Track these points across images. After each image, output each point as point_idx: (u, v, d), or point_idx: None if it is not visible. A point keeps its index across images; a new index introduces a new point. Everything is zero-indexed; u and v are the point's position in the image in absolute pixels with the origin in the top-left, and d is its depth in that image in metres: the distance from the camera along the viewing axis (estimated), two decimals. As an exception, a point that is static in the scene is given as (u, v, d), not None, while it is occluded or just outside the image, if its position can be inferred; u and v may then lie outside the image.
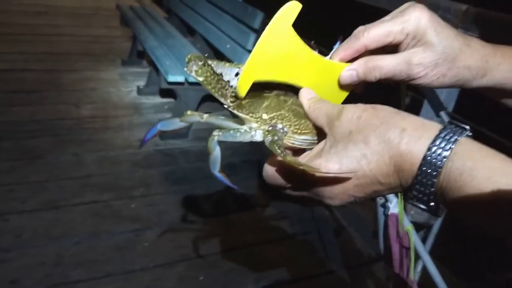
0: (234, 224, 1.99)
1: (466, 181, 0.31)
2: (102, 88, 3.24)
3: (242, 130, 0.45)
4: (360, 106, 0.40)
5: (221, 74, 0.48)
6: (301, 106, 0.45)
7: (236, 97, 0.46)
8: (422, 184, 0.34)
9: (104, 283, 1.56)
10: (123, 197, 2.02)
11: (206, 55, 0.48)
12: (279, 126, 0.44)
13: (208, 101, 2.89)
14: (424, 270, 1.10)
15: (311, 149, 0.44)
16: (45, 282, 1.53)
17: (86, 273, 1.59)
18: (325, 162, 0.38)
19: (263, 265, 1.77)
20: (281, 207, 2.12)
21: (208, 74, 0.45)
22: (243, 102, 0.46)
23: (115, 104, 3.00)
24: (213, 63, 0.48)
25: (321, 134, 0.43)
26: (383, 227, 0.97)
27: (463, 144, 0.33)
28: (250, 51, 2.40)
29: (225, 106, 0.46)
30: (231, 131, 0.45)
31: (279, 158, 0.40)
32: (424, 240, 1.15)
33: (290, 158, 0.39)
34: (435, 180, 0.33)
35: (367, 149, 0.36)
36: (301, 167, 0.38)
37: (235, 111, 0.46)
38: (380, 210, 0.95)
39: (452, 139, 0.33)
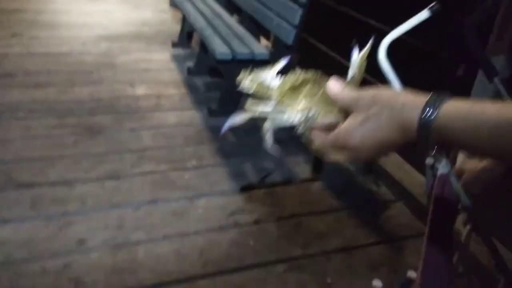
0: (282, 196, 2.05)
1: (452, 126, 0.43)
2: (154, 68, 3.38)
3: (285, 118, 0.58)
4: (370, 90, 0.51)
5: (265, 79, 0.61)
6: (327, 96, 0.56)
7: (279, 94, 0.59)
8: (422, 133, 0.45)
9: (162, 245, 1.68)
10: (177, 168, 2.14)
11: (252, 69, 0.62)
12: (311, 113, 0.57)
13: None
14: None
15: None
16: (108, 242, 1.67)
17: (146, 235, 1.72)
18: (349, 137, 0.51)
19: (310, 234, 1.82)
20: (328, 182, 2.16)
21: (256, 85, 0.59)
22: (284, 98, 0.58)
23: (167, 83, 3.13)
24: (257, 73, 0.62)
25: (345, 113, 0.54)
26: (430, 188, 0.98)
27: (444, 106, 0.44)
28: (296, 27, 2.42)
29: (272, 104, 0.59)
30: (277, 120, 0.59)
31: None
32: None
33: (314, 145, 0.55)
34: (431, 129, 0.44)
35: (380, 118, 0.49)
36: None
37: (278, 107, 0.58)
38: (429, 172, 0.96)
39: (436, 105, 0.44)
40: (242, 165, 2.23)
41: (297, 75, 0.59)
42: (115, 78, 3.14)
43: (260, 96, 0.59)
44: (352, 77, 0.62)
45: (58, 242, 1.65)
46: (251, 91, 0.58)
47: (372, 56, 0.69)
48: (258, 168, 2.22)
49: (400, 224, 1.94)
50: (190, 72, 3.31)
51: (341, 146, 0.52)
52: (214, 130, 2.54)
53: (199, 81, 3.23)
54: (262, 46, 2.65)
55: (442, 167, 0.91)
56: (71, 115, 2.55)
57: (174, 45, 3.84)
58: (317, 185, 2.14)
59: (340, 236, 1.83)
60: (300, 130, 0.57)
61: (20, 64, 3.23)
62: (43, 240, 1.65)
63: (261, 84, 0.59)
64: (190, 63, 3.39)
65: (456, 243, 0.93)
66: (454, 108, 0.43)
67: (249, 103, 0.60)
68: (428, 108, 0.44)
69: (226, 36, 2.69)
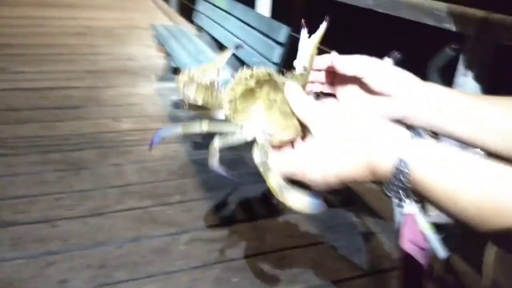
0: (265, 229, 2.07)
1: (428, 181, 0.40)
2: (139, 102, 3.42)
3: (237, 135, 0.50)
4: (335, 111, 0.46)
5: (209, 83, 0.51)
6: (286, 104, 0.48)
7: (230, 100, 0.49)
8: (395, 184, 0.42)
9: (145, 284, 1.67)
10: (160, 204, 2.15)
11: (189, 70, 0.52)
12: (268, 129, 0.49)
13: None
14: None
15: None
16: (91, 283, 1.65)
17: (128, 274, 1.71)
18: (309, 171, 0.46)
19: (293, 269, 1.84)
20: (309, 216, 2.19)
21: (203, 92, 0.49)
22: (238, 105, 0.49)
23: (152, 117, 3.17)
24: (195, 74, 0.52)
25: (306, 128, 0.48)
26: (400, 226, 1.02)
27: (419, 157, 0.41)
28: (275, 64, 2.51)
29: (224, 116, 0.50)
30: (228, 138, 0.51)
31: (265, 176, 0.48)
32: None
33: (271, 180, 0.46)
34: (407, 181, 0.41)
35: (346, 159, 0.44)
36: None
37: (232, 120, 0.50)
38: (397, 210, 1.00)
39: (412, 154, 0.40)
40: (226, 199, 2.25)
41: (249, 75, 0.49)
42: (100, 112, 3.17)
43: (210, 107, 0.50)
44: (302, 71, 0.52)
45: (39, 283, 1.63)
46: (199, 103, 0.48)
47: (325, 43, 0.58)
48: (243, 201, 2.24)
49: (381, 256, 1.97)
50: (175, 106, 3.36)
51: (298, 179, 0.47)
52: (199, 163, 2.57)
53: (184, 115, 3.27)
54: (244, 82, 2.72)
55: (408, 206, 0.96)
56: (54, 151, 2.56)
57: (159, 79, 3.91)
58: (299, 217, 2.17)
59: (324, 270, 1.85)
60: (255, 153, 0.48)
61: (4, 99, 3.24)
62: (24, 281, 1.63)
63: (207, 91, 0.49)
64: (174, 97, 3.45)
65: None
66: (430, 159, 0.40)
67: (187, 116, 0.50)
68: (402, 159, 0.40)
69: (210, 72, 2.75)
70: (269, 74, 0.50)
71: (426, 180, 0.40)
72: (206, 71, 0.52)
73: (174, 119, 3.18)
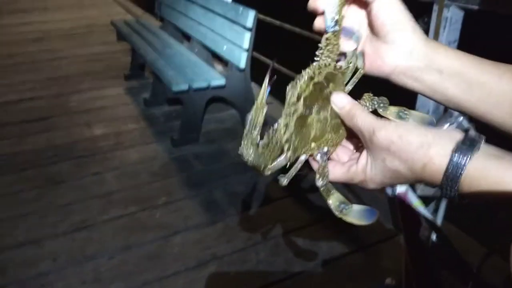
0: (257, 219, 2.07)
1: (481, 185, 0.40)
2: (109, 105, 3.33)
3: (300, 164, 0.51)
4: (392, 131, 0.45)
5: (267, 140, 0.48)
6: (337, 115, 0.49)
7: (286, 140, 0.48)
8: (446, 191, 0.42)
9: (143, 292, 1.66)
10: (146, 208, 2.12)
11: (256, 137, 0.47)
12: (325, 149, 0.51)
13: (213, 103, 2.97)
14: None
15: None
16: (88, 298, 1.63)
17: (124, 285, 1.69)
18: (369, 184, 0.49)
19: (289, 254, 1.85)
20: (299, 196, 2.20)
21: (270, 156, 0.47)
22: (296, 142, 0.48)
23: (125, 118, 3.09)
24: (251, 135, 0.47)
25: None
26: (393, 207, 1.03)
27: (475, 162, 0.40)
28: (246, 50, 2.47)
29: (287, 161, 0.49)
30: (291, 170, 0.50)
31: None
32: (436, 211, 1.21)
33: (331, 202, 0.49)
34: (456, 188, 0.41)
35: (400, 173, 0.45)
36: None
37: (294, 159, 0.49)
38: (388, 190, 1.01)
39: (466, 159, 0.40)
40: (213, 193, 2.24)
41: (294, 101, 0.47)
42: (70, 121, 3.07)
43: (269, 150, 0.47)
44: (333, 25, 0.49)
45: (33, 308, 1.59)
46: (260, 160, 0.47)
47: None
48: (230, 193, 2.23)
49: (371, 229, 1.99)
50: (147, 103, 3.28)
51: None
52: (180, 161, 2.53)
53: (158, 111, 3.21)
54: (216, 72, 2.67)
55: (400, 186, 0.96)
56: (29, 168, 2.47)
57: (127, 77, 3.80)
58: (288, 202, 2.18)
59: (317, 251, 1.86)
60: (316, 177, 0.49)
61: (-33, 119, 3.10)
62: (17, 308, 1.59)
63: (271, 152, 0.47)
64: (146, 94, 3.36)
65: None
66: (480, 176, 0.40)
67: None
68: (449, 179, 0.41)
69: (179, 66, 2.69)
70: (313, 86, 0.48)
71: (478, 190, 0.40)
72: (257, 120, 0.47)
73: (148, 118, 3.11)
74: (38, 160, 2.55)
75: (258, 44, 2.57)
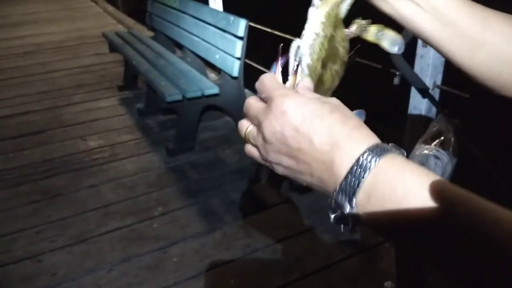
0: (253, 226, 2.07)
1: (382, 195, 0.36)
2: (103, 116, 3.33)
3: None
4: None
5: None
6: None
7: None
8: (345, 190, 0.38)
9: (143, 303, 1.66)
10: (144, 219, 2.12)
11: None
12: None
13: (209, 110, 2.98)
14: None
15: None
16: (88, 312, 1.63)
17: (125, 297, 1.69)
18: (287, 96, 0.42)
19: (287, 260, 1.86)
20: (295, 204, 2.21)
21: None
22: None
23: (119, 130, 3.10)
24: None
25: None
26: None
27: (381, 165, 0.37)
28: (238, 58, 2.49)
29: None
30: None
31: None
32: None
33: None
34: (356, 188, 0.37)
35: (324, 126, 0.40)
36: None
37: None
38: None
39: (373, 160, 0.37)
40: (210, 202, 2.24)
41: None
42: (65, 134, 3.07)
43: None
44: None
45: (33, 324, 1.59)
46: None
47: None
48: (226, 201, 2.24)
49: (367, 233, 2.01)
50: (141, 113, 3.28)
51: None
52: (176, 171, 2.54)
53: (152, 121, 3.21)
54: (209, 81, 2.68)
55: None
56: (25, 182, 2.47)
57: (120, 88, 3.81)
58: (285, 208, 2.19)
59: (316, 256, 1.88)
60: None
61: (-39, 136, 3.09)
62: (17, 325, 1.58)
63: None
64: (140, 105, 3.37)
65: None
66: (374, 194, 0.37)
67: None
68: (343, 192, 0.38)
69: (173, 76, 2.70)
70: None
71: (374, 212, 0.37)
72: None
73: (143, 128, 3.11)
74: (33, 175, 2.54)
75: (250, 51, 2.59)
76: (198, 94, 2.52)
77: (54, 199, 2.30)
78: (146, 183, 2.42)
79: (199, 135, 2.85)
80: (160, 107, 3.15)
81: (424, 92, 1.31)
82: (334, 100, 0.43)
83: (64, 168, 2.60)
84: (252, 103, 0.45)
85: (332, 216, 0.39)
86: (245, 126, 0.46)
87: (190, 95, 2.49)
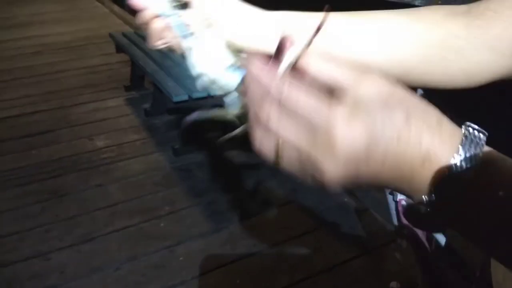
0: (260, 226, 2.08)
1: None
2: (110, 116, 3.35)
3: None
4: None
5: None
6: None
7: None
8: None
9: (150, 302, 1.67)
10: (151, 218, 2.13)
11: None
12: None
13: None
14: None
15: None
16: (95, 310, 1.64)
17: (132, 295, 1.70)
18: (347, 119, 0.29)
19: (293, 260, 1.86)
20: (301, 203, 2.21)
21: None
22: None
23: (126, 129, 3.12)
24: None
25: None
26: (395, 212, 1.04)
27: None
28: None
29: None
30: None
31: None
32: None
33: None
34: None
35: (406, 128, 0.30)
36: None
37: None
38: (389, 197, 1.02)
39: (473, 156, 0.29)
40: (216, 201, 2.25)
41: None
42: (72, 133, 3.09)
43: None
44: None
45: (42, 321, 1.61)
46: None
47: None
48: (232, 201, 2.25)
49: (373, 232, 2.01)
50: (147, 113, 3.30)
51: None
52: (182, 170, 2.55)
53: (159, 121, 3.23)
54: (215, 81, 2.69)
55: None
56: (33, 182, 2.49)
57: (127, 88, 3.83)
58: (291, 208, 2.19)
59: (322, 256, 1.88)
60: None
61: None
62: (26, 322, 1.60)
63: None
64: (146, 105, 3.38)
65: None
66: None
67: None
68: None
69: (179, 77, 2.72)
70: None
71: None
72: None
73: (149, 128, 3.13)
74: (41, 174, 2.57)
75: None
76: (204, 94, 2.53)
77: (62, 198, 2.32)
78: (152, 183, 2.44)
79: (205, 135, 2.86)
80: (167, 107, 3.17)
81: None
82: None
83: (72, 168, 2.63)
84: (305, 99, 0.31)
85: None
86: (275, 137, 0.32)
87: (196, 95, 2.50)
